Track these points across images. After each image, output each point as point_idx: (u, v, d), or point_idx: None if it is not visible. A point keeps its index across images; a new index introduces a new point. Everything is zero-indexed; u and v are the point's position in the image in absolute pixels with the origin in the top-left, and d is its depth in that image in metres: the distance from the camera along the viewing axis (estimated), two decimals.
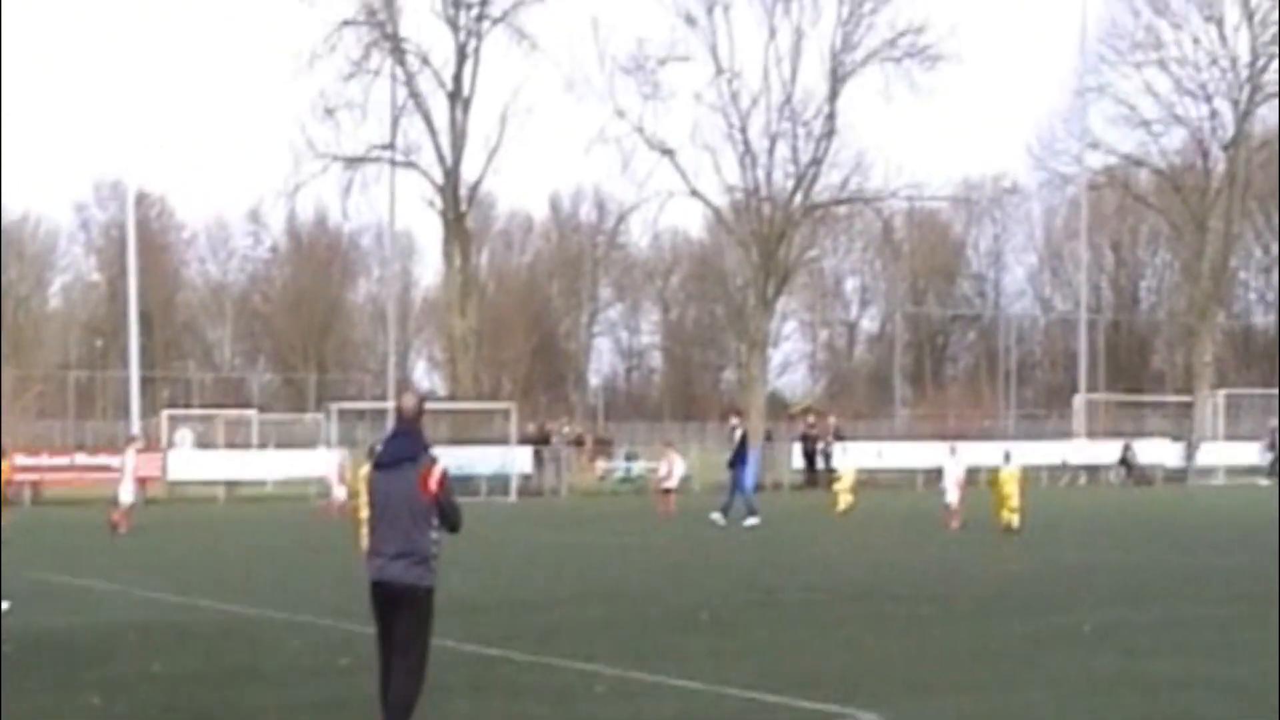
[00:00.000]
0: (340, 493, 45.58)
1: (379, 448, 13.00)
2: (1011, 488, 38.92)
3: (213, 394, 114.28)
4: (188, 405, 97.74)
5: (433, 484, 12.28)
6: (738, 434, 44.51)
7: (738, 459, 43.47)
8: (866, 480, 61.14)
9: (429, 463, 12.36)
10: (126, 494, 41.94)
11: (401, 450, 12.42)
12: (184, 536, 39.71)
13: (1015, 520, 38.25)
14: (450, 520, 12.45)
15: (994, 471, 40.39)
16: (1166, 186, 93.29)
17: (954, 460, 42.13)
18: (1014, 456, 40.24)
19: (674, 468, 48.58)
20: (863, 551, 34.07)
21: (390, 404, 74.80)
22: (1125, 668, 17.01)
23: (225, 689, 15.95)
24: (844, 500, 46.75)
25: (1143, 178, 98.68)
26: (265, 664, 17.76)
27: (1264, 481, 67.92)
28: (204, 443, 65.80)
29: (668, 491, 46.97)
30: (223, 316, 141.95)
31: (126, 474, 42.50)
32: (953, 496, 40.97)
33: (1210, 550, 33.36)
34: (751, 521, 41.22)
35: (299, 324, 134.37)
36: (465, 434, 58.84)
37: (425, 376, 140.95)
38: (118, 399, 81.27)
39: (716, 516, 41.73)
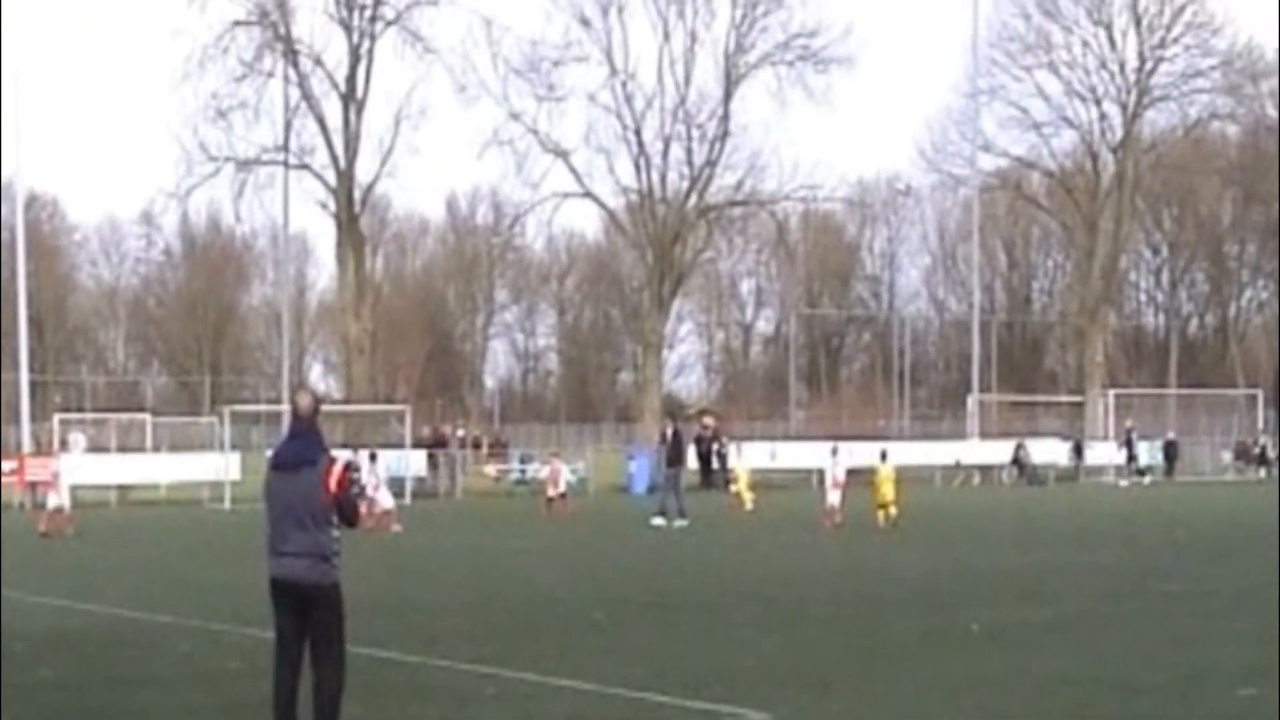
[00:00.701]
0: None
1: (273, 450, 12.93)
2: (888, 486, 39.43)
3: (105, 398, 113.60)
4: (80, 409, 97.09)
5: (333, 484, 12.25)
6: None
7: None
8: (760, 481, 61.46)
9: (328, 463, 12.34)
10: (56, 499, 41.69)
11: (300, 452, 12.36)
12: (75, 541, 39.39)
13: (891, 515, 38.92)
14: (348, 517, 12.45)
15: (872, 471, 40.80)
16: (1057, 188, 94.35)
17: (834, 461, 42.33)
18: (891, 455, 40.78)
19: (559, 475, 48.49)
20: (756, 552, 34.19)
21: (285, 407, 74.66)
22: (1013, 666, 17.18)
23: (115, 694, 15.87)
24: (748, 498, 47.36)
25: (1034, 179, 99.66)
26: (156, 668, 17.67)
27: (1123, 482, 68.62)
28: (96, 446, 65.32)
29: (558, 498, 46.89)
30: (115, 319, 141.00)
31: (61, 479, 42.21)
32: (833, 498, 41.12)
33: (1099, 548, 33.67)
34: (658, 522, 41.42)
35: (193, 327, 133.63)
36: (360, 437, 58.65)
37: (321, 379, 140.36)
38: (8, 403, 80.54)
39: (680, 523, 41.73)
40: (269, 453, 12.84)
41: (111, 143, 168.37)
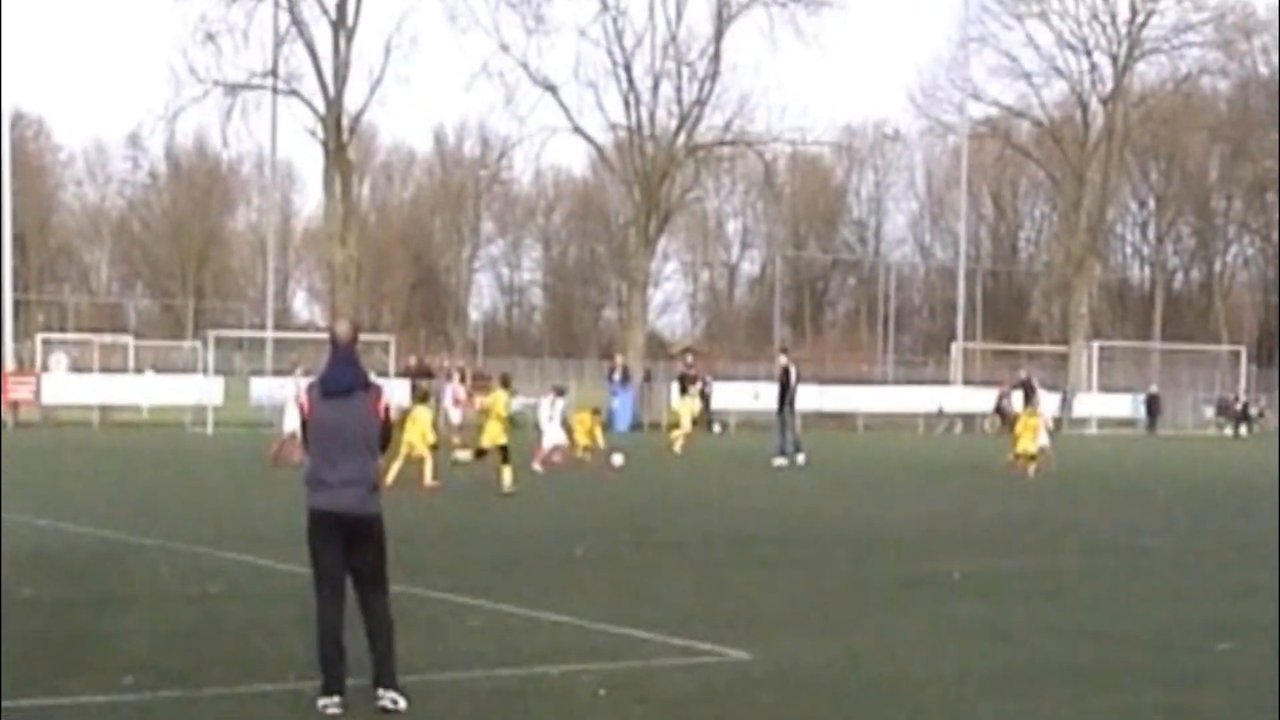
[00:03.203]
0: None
1: (316, 376, 12.60)
2: (1030, 435, 39.69)
3: (89, 318, 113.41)
4: (63, 329, 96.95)
5: (382, 410, 12.20)
6: (787, 374, 44.11)
7: (784, 400, 43.33)
8: (744, 421, 61.55)
9: (377, 390, 12.30)
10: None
11: (350, 378, 12.16)
12: (57, 461, 39.41)
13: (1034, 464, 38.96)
14: (386, 443, 12.36)
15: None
16: (1046, 138, 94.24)
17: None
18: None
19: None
20: (738, 494, 34.26)
21: (269, 334, 74.62)
22: (990, 615, 17.24)
23: (96, 614, 15.89)
24: (677, 437, 47.24)
25: (1023, 129, 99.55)
26: (137, 590, 17.69)
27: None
28: (79, 367, 65.25)
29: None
30: (100, 241, 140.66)
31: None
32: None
33: (1080, 501, 33.78)
34: (780, 462, 41.48)
35: (178, 251, 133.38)
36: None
37: (305, 307, 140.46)
38: None
39: (800, 458, 41.70)
40: (302, 382, 12.70)
41: (99, 64, 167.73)
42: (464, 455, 33.33)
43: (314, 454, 12.16)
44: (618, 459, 38.65)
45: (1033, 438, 39.84)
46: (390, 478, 30.36)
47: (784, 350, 49.30)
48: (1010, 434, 43.83)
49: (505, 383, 34.11)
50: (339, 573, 12.10)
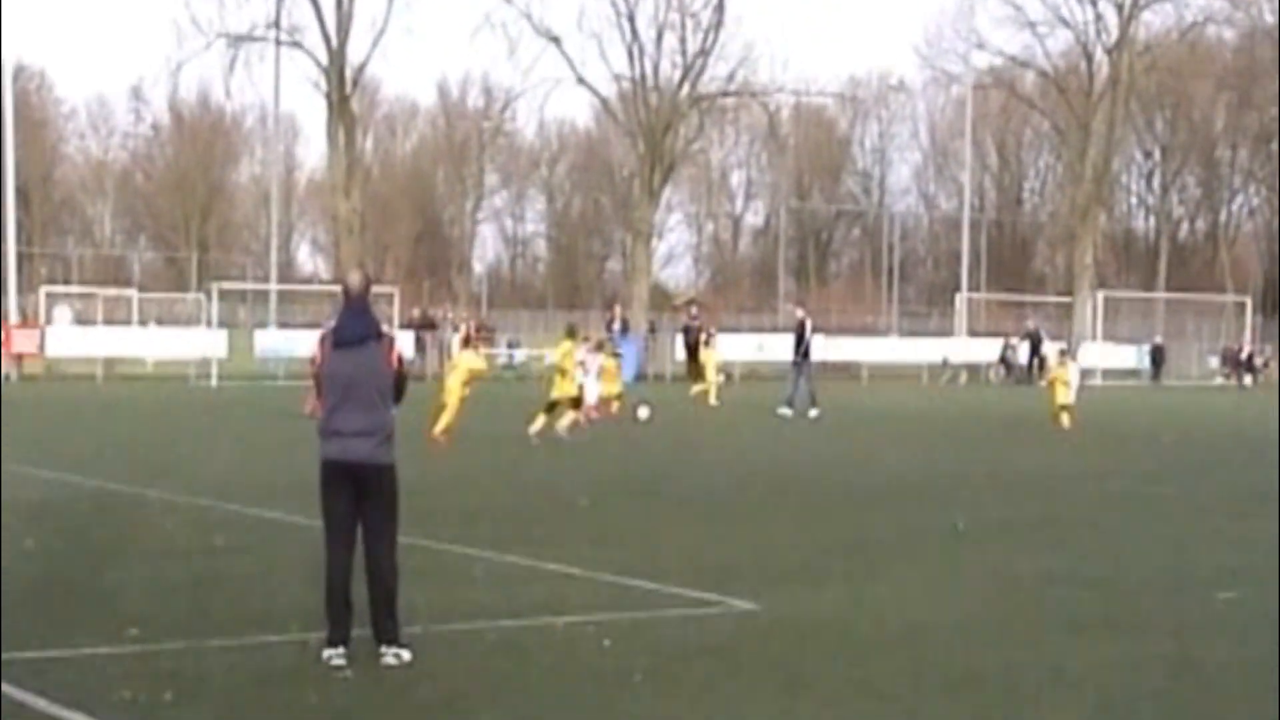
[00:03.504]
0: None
1: (332, 327, 12.55)
2: (1063, 388, 39.49)
3: (92, 271, 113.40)
4: (67, 282, 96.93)
5: (395, 360, 12.19)
6: (804, 327, 44.14)
7: (799, 352, 43.32)
8: (750, 372, 61.56)
9: (390, 339, 12.28)
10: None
11: (364, 328, 12.13)
12: (61, 413, 39.42)
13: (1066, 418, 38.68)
14: (402, 393, 12.35)
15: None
16: (1051, 89, 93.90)
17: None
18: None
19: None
20: (742, 444, 34.26)
21: (272, 286, 74.60)
22: (995, 564, 17.25)
23: (99, 566, 15.89)
24: (713, 392, 47.12)
25: (1028, 79, 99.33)
26: (140, 541, 17.70)
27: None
28: (83, 320, 65.24)
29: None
30: (103, 194, 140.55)
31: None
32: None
33: (1084, 450, 33.77)
34: (785, 411, 41.47)
35: (181, 203, 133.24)
36: None
37: (309, 259, 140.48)
38: None
39: (784, 411, 41.64)
40: (318, 333, 12.62)
41: (101, 16, 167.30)
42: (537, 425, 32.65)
43: (328, 404, 12.14)
44: (644, 412, 38.47)
45: (1066, 389, 39.70)
46: (440, 427, 30.51)
47: (800, 304, 49.36)
48: (1017, 384, 43.71)
49: (571, 334, 33.72)
50: (349, 524, 12.10)
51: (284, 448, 29.52)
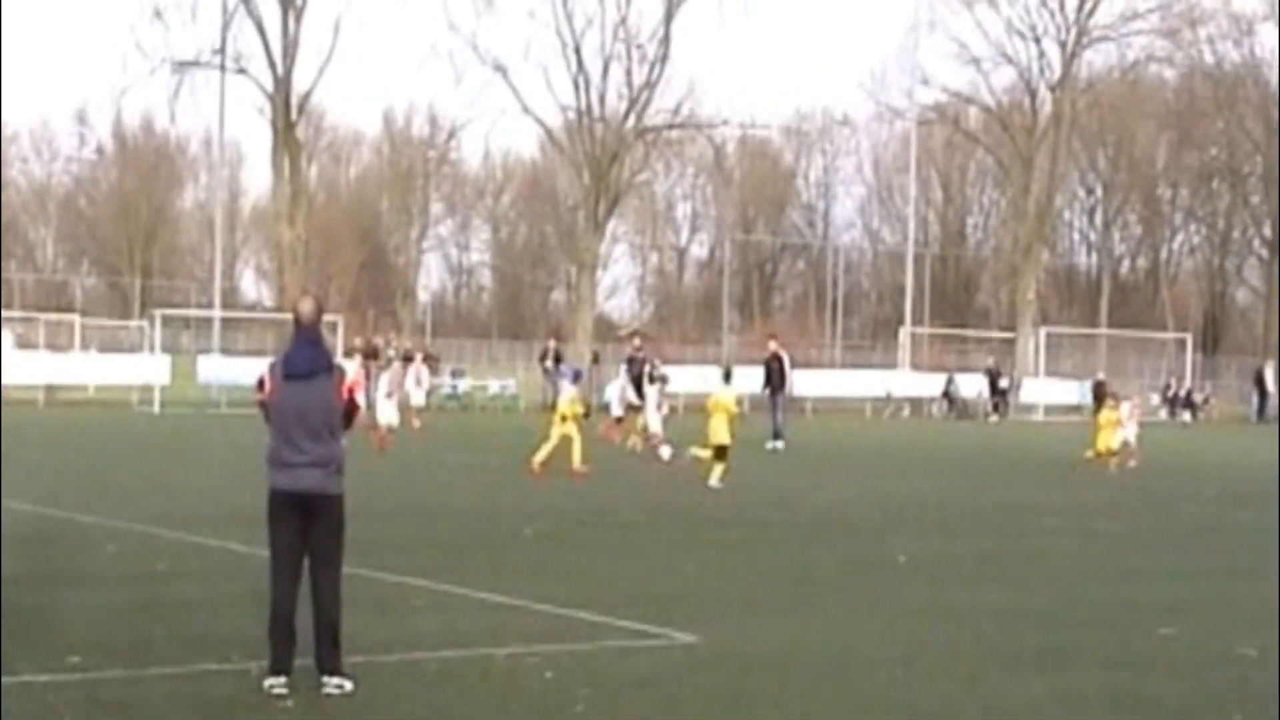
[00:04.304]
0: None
1: (283, 356, 12.44)
2: (1109, 432, 38.65)
3: (34, 296, 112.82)
4: (8, 307, 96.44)
5: (345, 392, 12.16)
6: (779, 360, 44.14)
7: (773, 385, 43.30)
8: (694, 404, 61.46)
9: (340, 372, 12.24)
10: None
11: (314, 361, 12.08)
12: (2, 439, 39.16)
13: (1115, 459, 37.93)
14: (350, 422, 12.35)
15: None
16: (994, 124, 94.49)
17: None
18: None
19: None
20: (687, 477, 34.24)
21: (216, 312, 74.35)
22: (936, 597, 17.32)
23: (41, 592, 15.81)
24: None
25: (972, 115, 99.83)
26: (83, 568, 17.64)
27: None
28: (24, 344, 64.93)
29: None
30: (46, 217, 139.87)
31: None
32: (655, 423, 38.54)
33: (1026, 484, 33.93)
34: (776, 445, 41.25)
35: (124, 228, 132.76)
36: None
37: (253, 286, 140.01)
38: None
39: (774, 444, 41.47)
40: (265, 364, 12.51)
41: (46, 40, 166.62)
42: (702, 453, 31.68)
43: (276, 434, 12.11)
44: (666, 451, 36.70)
45: (1113, 432, 38.89)
46: (541, 457, 30.89)
47: (773, 336, 49.36)
48: (959, 419, 43.63)
49: (728, 377, 32.70)
50: (297, 553, 12.10)
51: (228, 475, 29.43)
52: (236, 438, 36.41)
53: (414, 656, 13.27)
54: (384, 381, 41.56)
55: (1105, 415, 39.99)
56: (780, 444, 41.47)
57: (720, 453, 30.60)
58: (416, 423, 46.11)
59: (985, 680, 13.01)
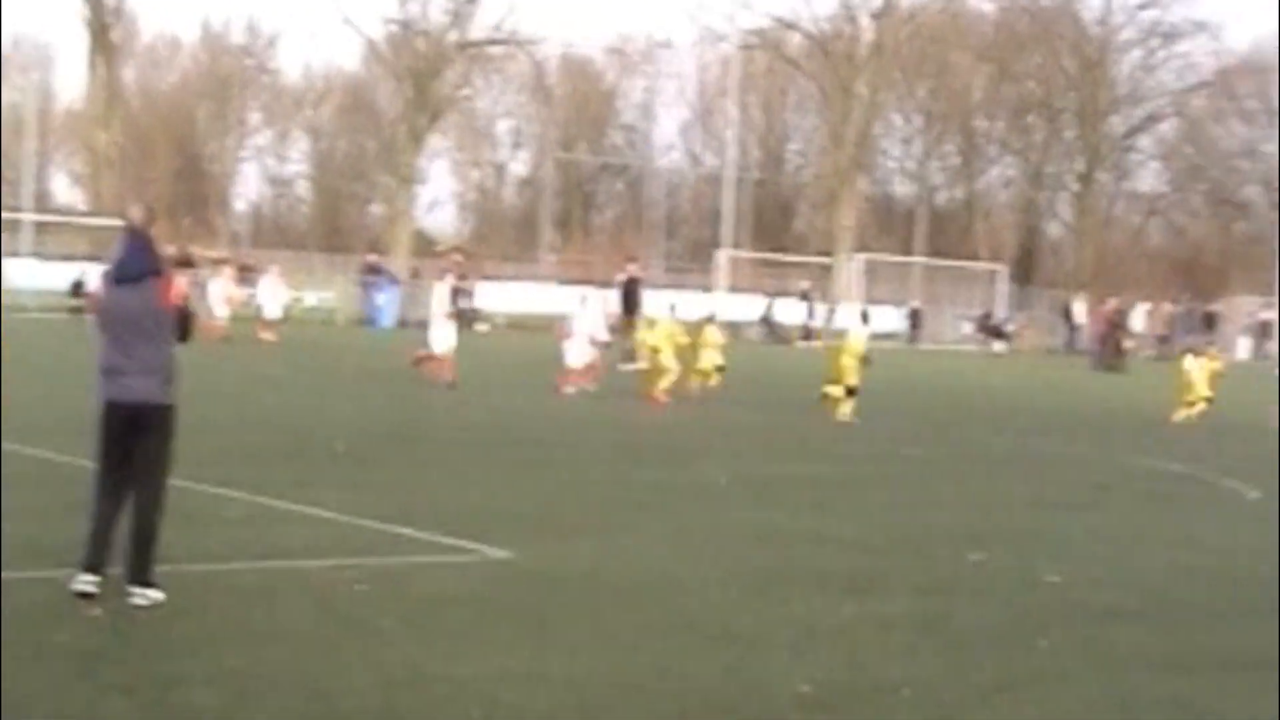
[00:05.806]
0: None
1: (113, 261, 12.21)
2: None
3: None
4: None
5: (175, 296, 11.92)
6: (635, 283, 43.66)
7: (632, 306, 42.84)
8: (515, 322, 61.46)
9: (169, 276, 11.95)
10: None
11: (144, 263, 11.83)
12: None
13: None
14: (187, 330, 12.06)
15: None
16: (816, 51, 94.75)
17: (582, 312, 35.87)
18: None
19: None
20: (505, 395, 34.20)
21: (25, 216, 73.01)
22: (756, 520, 17.42)
23: None
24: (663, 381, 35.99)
25: (794, 41, 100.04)
26: None
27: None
28: None
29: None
30: None
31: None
32: (573, 357, 34.82)
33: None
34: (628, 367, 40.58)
35: None
36: (106, 251, 57.41)
37: (67, 191, 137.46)
38: None
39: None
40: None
41: None
42: (834, 390, 31.64)
43: (107, 341, 11.87)
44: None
45: (1206, 380, 35.50)
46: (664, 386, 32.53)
47: (632, 259, 49.04)
48: (777, 343, 43.46)
49: (865, 318, 34.62)
50: (121, 465, 11.90)
51: (38, 381, 28.93)
52: (45, 343, 35.81)
53: (227, 567, 13.19)
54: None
55: (1207, 364, 36.24)
56: (633, 366, 41.19)
57: (851, 391, 31.45)
58: (269, 336, 45.93)
59: (798, 602, 13.10)
